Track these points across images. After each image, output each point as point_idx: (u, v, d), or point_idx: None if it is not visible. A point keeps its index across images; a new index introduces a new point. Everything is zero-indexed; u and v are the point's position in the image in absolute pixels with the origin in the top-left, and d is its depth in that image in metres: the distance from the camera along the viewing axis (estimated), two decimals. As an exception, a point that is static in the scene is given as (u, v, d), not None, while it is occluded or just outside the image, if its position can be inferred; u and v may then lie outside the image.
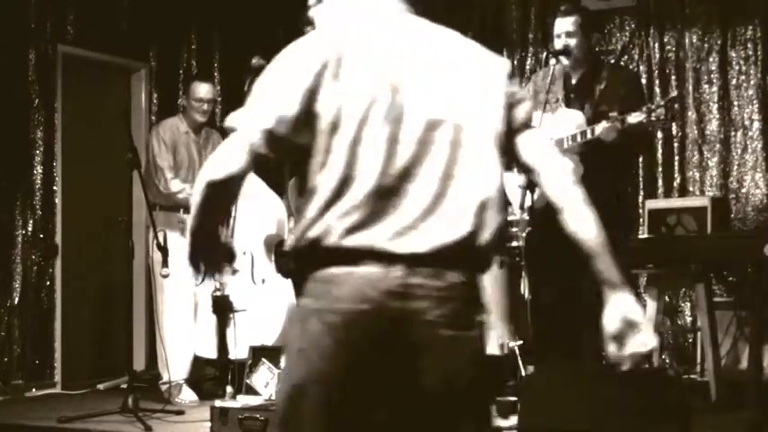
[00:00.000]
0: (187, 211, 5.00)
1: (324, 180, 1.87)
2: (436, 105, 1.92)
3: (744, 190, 6.18)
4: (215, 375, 5.80)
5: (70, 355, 6.33)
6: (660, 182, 6.40)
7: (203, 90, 5.79)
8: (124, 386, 5.76)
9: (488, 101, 1.98)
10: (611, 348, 2.01)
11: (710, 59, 6.31)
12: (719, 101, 6.27)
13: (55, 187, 6.24)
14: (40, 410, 5.36)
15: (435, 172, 1.89)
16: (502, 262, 5.23)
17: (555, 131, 4.60)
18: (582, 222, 2.12)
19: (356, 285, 1.83)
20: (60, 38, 6.34)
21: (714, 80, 6.29)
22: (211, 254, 2.05)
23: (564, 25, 4.68)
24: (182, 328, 5.60)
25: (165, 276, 5.07)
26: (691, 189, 6.31)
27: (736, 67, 6.24)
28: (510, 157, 2.06)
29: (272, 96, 1.92)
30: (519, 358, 5.02)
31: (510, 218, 5.26)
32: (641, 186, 6.41)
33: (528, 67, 6.80)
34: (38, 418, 5.11)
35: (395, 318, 1.84)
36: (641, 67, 6.48)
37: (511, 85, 2.05)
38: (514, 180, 4.85)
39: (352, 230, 1.84)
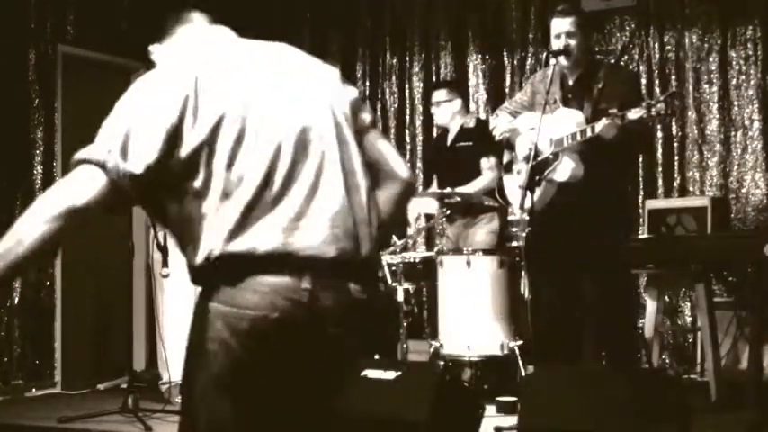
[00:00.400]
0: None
1: (212, 203, 1.85)
2: (300, 116, 1.97)
3: (744, 190, 6.18)
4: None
5: (70, 355, 6.33)
6: (660, 182, 6.40)
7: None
8: (124, 386, 5.75)
9: (338, 107, 2.04)
10: None
11: (710, 59, 6.31)
12: (719, 101, 6.27)
13: (55, 187, 6.24)
14: (40, 410, 5.36)
15: (311, 178, 1.93)
16: (502, 262, 5.24)
17: (555, 131, 4.60)
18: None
19: (266, 293, 1.85)
20: (60, 38, 6.34)
21: (714, 80, 6.30)
22: None
23: (563, 25, 4.67)
24: (182, 329, 5.58)
25: (165, 276, 5.07)
26: (691, 189, 6.32)
27: (736, 67, 6.25)
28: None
29: (137, 135, 1.85)
30: (519, 358, 5.03)
31: (510, 218, 5.27)
32: (641, 186, 6.41)
33: (528, 67, 6.81)
34: (38, 418, 5.11)
35: (301, 325, 1.87)
36: (641, 67, 6.48)
37: (350, 90, 2.12)
38: (514, 181, 4.86)
39: (252, 239, 1.85)
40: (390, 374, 3.92)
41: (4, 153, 5.97)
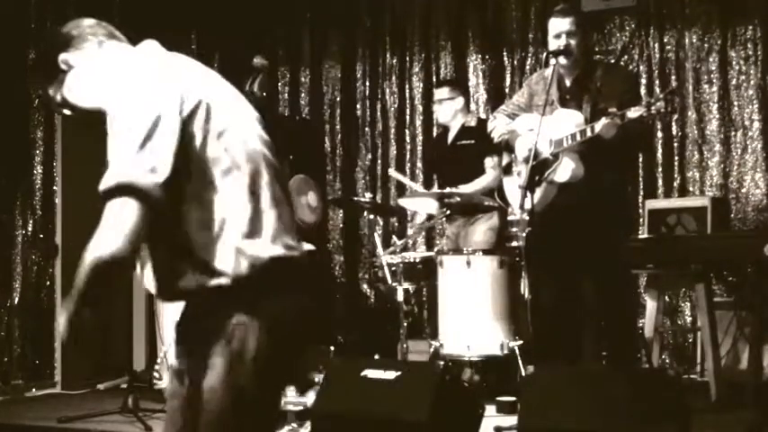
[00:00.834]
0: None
1: (233, 207, 1.99)
2: (253, 124, 2.13)
3: (744, 190, 6.18)
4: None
5: (70, 355, 6.33)
6: (660, 182, 6.40)
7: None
8: (124, 386, 5.76)
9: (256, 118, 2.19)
10: None
11: (710, 59, 6.31)
12: (719, 101, 6.27)
13: (55, 187, 6.25)
14: (40, 410, 5.36)
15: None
16: (502, 262, 5.24)
17: (554, 132, 4.59)
18: None
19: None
20: (60, 38, 6.34)
21: (714, 80, 6.30)
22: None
23: (563, 25, 4.66)
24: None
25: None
26: (691, 189, 6.32)
27: (736, 67, 6.25)
28: None
29: (151, 144, 1.91)
30: (519, 358, 5.02)
31: (510, 218, 5.26)
32: (641, 186, 6.41)
33: (528, 67, 6.80)
34: (38, 418, 5.11)
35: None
36: (641, 67, 6.48)
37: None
38: (514, 182, 4.85)
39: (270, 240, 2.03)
40: (390, 374, 3.92)
41: (4, 153, 5.97)
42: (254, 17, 7.42)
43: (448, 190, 5.48)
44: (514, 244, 4.95)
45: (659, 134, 6.41)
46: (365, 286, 7.36)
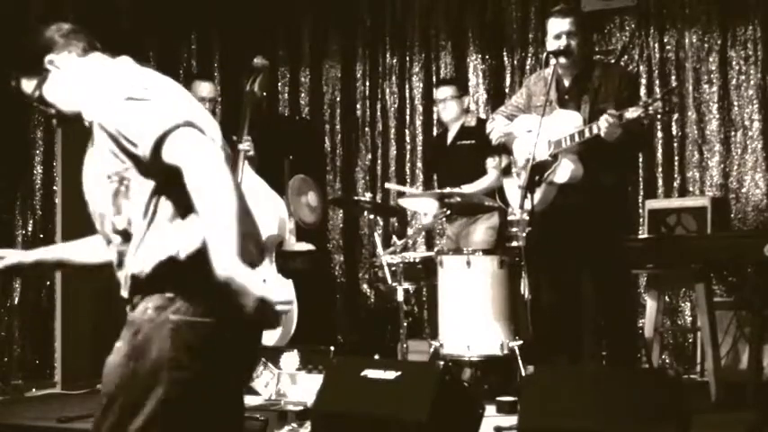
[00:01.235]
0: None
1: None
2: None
3: (744, 190, 6.18)
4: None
5: (70, 355, 6.32)
6: (660, 182, 6.41)
7: (205, 89, 5.78)
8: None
9: None
10: None
11: (710, 59, 6.31)
12: (719, 101, 6.27)
13: (55, 187, 6.24)
14: (40, 410, 5.35)
15: None
16: (502, 262, 5.24)
17: (553, 133, 4.59)
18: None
19: None
20: (60, 38, 6.33)
21: (714, 80, 6.30)
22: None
23: (563, 25, 4.65)
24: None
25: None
26: (691, 189, 6.32)
27: (736, 67, 6.25)
28: None
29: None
30: (519, 358, 5.02)
31: (510, 218, 5.26)
32: (641, 186, 6.42)
33: (528, 67, 6.81)
34: (38, 418, 5.10)
35: None
36: (641, 67, 6.49)
37: None
38: (514, 181, 4.85)
39: None
40: (390, 374, 3.91)
41: (4, 153, 5.97)
42: (254, 17, 7.42)
43: (449, 190, 5.48)
44: (515, 244, 4.94)
45: (659, 134, 6.41)
46: (365, 286, 7.36)
